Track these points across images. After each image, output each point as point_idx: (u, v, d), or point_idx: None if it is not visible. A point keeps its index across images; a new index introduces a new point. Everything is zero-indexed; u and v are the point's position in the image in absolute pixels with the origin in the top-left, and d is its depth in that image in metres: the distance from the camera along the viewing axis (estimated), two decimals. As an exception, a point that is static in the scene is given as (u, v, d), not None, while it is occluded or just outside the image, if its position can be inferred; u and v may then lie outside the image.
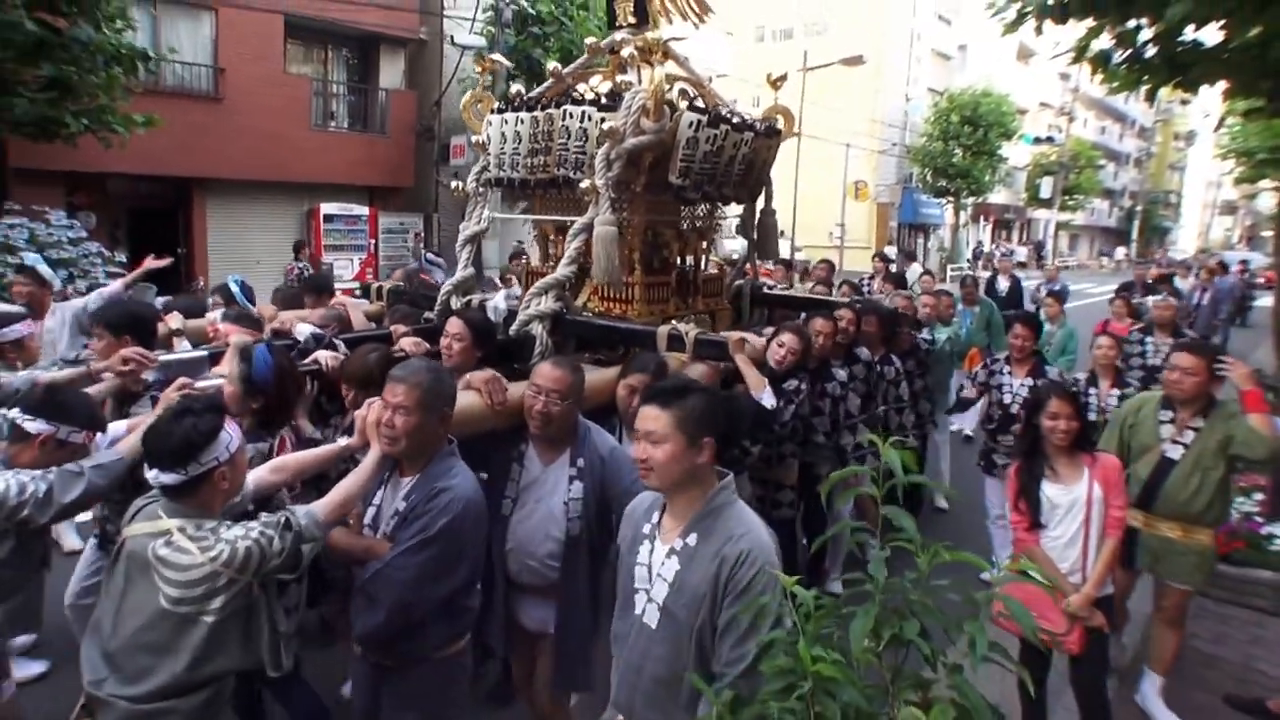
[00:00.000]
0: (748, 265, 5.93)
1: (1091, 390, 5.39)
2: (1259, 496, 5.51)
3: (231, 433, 2.41)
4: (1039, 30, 6.22)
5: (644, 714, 2.27)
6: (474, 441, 3.04)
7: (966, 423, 8.40)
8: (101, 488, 2.71)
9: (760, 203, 5.49)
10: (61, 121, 10.40)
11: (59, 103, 10.31)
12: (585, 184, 4.17)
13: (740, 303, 5.76)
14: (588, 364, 4.25)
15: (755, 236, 5.57)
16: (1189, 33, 5.77)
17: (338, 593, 3.09)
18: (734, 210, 5.60)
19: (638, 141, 4.13)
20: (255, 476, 2.71)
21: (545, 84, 5.01)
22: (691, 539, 2.19)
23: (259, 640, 2.42)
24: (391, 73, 18.46)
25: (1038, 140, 40.00)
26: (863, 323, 5.26)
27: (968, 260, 35.87)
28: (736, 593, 2.08)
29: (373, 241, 17.32)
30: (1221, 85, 6.27)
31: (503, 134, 4.68)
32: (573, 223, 4.33)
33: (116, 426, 3.07)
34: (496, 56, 5.45)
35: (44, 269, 6.73)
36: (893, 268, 11.26)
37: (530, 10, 16.25)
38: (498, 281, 9.28)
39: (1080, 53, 6.40)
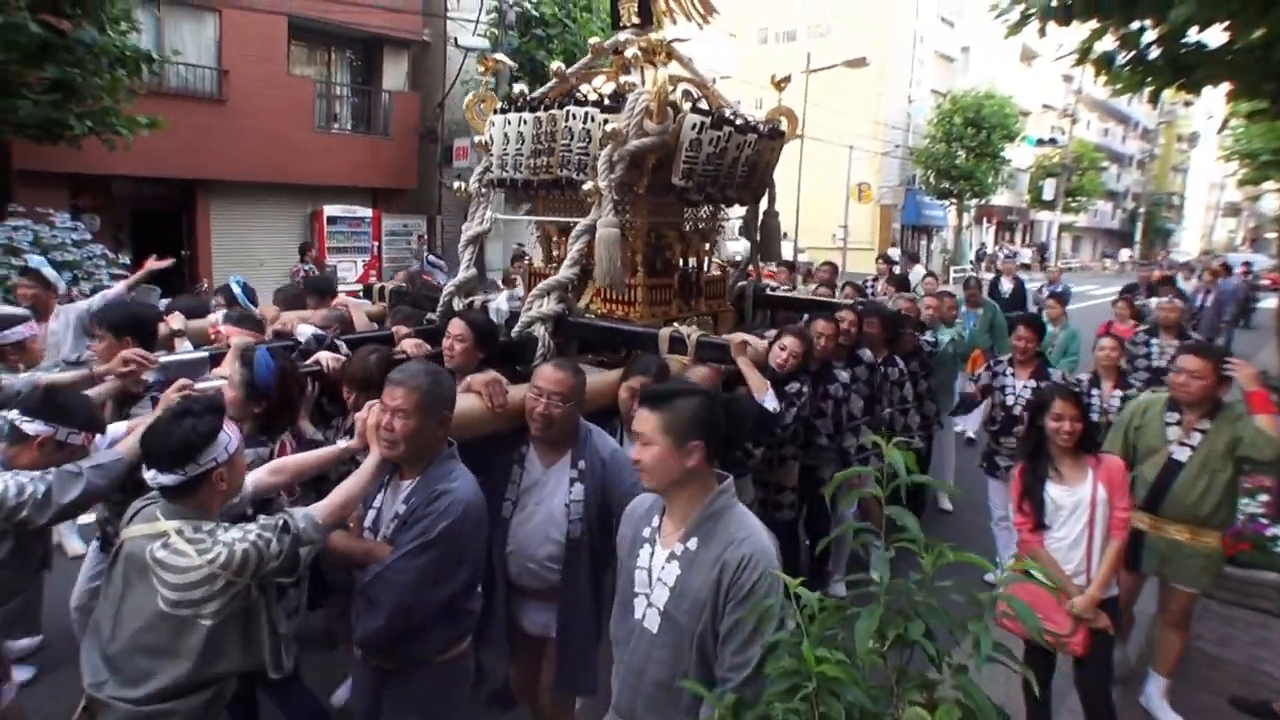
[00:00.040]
0: (750, 267, 5.92)
1: (1094, 391, 5.39)
2: (1264, 498, 5.50)
3: (230, 434, 2.40)
4: (1042, 32, 6.22)
5: (646, 718, 2.26)
6: (474, 444, 3.03)
7: (969, 424, 8.39)
8: (100, 488, 2.71)
9: (763, 204, 5.47)
10: (65, 124, 10.41)
11: (63, 105, 10.32)
12: (588, 186, 4.16)
13: (743, 304, 5.74)
14: (590, 366, 4.27)
15: (758, 238, 5.56)
16: (1192, 34, 5.76)
17: (338, 595, 3.09)
18: (737, 212, 5.59)
19: (641, 143, 4.13)
20: (254, 478, 2.71)
21: (548, 84, 5.01)
22: (692, 543, 2.18)
23: (259, 642, 2.42)
24: (395, 75, 18.48)
25: (1040, 142, 39.95)
26: (865, 324, 5.25)
27: (971, 262, 35.84)
28: (739, 599, 2.07)
29: (376, 244, 17.32)
30: (1225, 87, 6.26)
31: (505, 134, 4.68)
32: (576, 224, 4.33)
33: (116, 428, 3.07)
34: (499, 56, 5.45)
35: (48, 271, 6.73)
36: (896, 269, 11.25)
37: (534, 12, 16.26)
38: (499, 283, 9.28)
39: (1084, 54, 6.40)
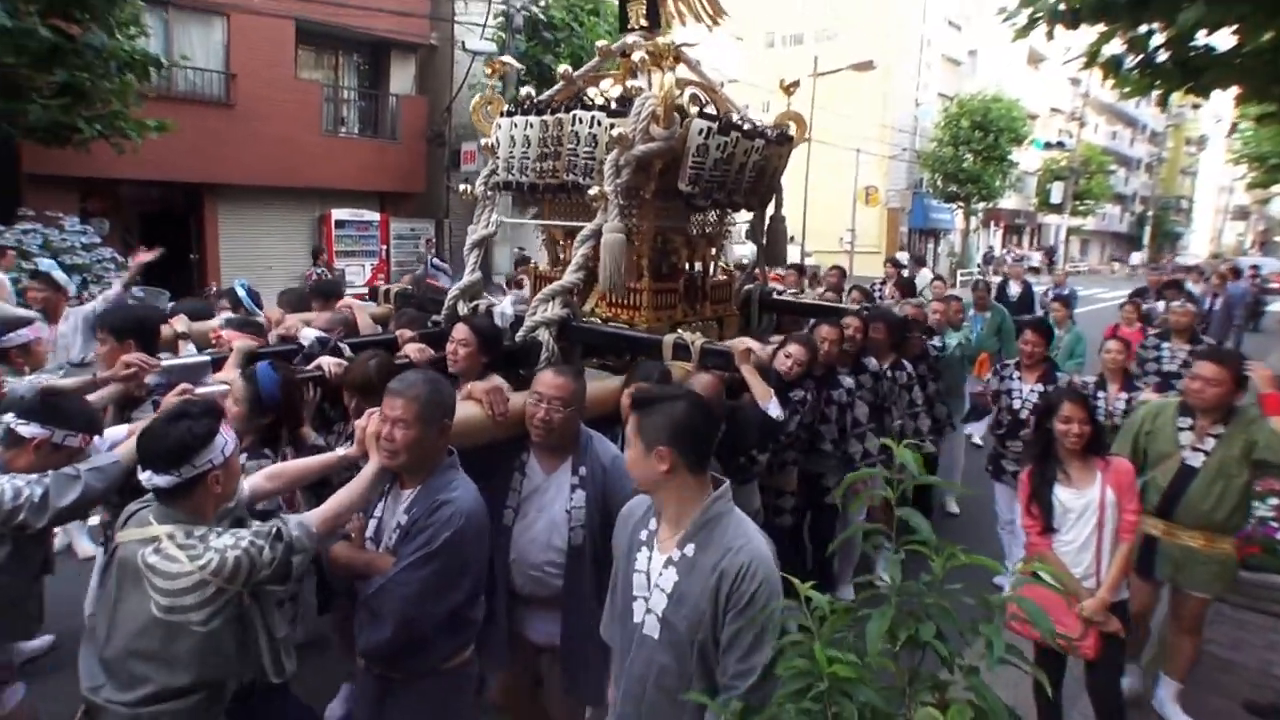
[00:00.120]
0: (757, 271, 5.91)
1: (1100, 394, 5.37)
2: (1274, 501, 5.46)
3: (227, 437, 2.39)
4: (1050, 35, 6.22)
5: None
6: (475, 452, 3.02)
7: (976, 429, 8.37)
8: (99, 491, 2.69)
9: (770, 209, 5.46)
10: (75, 127, 10.48)
11: (72, 108, 10.39)
12: (594, 191, 4.16)
13: (749, 309, 5.73)
14: (595, 370, 4.26)
15: (764, 243, 5.56)
16: (1201, 38, 5.76)
17: (341, 600, 3.07)
18: (744, 215, 5.58)
19: (647, 148, 4.12)
20: (251, 483, 2.69)
21: (555, 87, 5.01)
22: (689, 549, 2.17)
23: (255, 648, 2.41)
24: (402, 78, 18.53)
25: (1048, 145, 39.86)
26: (871, 329, 5.23)
27: (978, 265, 35.77)
28: (739, 608, 2.06)
29: (384, 247, 17.39)
30: (1234, 90, 6.26)
31: (512, 137, 4.67)
32: (582, 228, 4.33)
33: (116, 431, 3.06)
34: (506, 59, 5.45)
35: (58, 274, 6.77)
36: (905, 273, 11.22)
37: (541, 16, 16.29)
38: (504, 286, 9.29)
39: (1092, 58, 6.40)
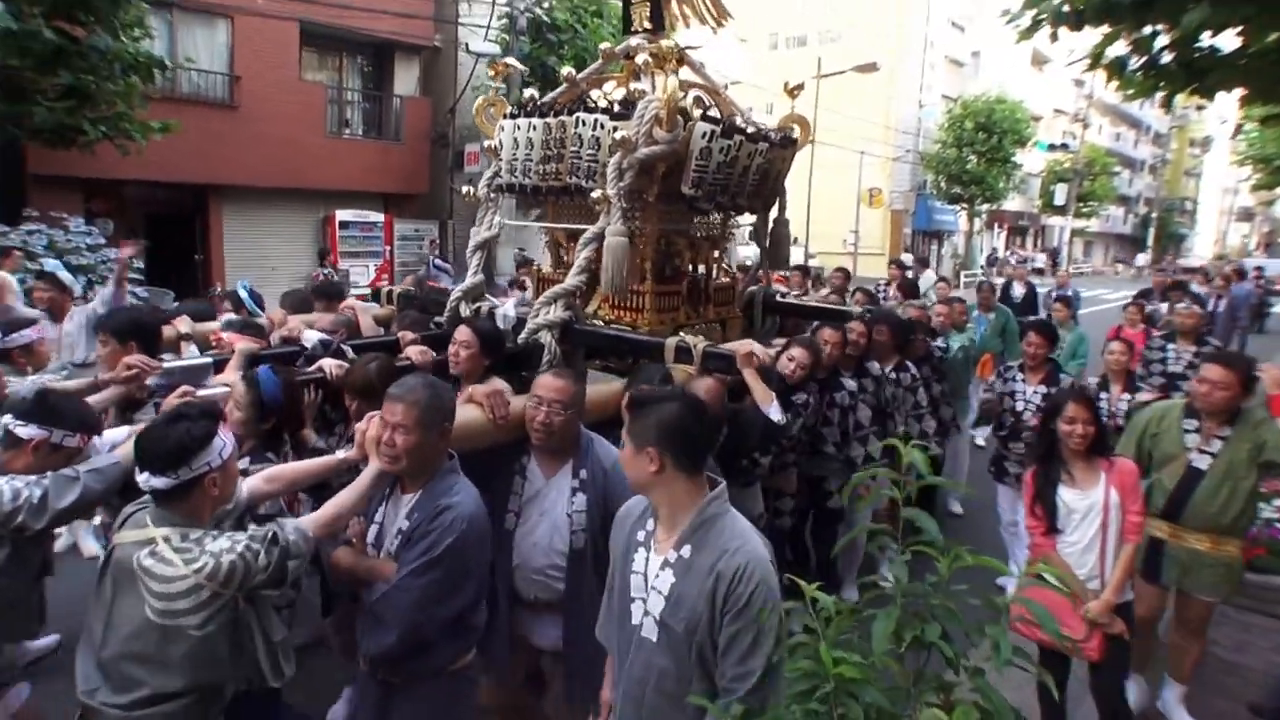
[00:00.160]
0: (760, 273, 5.91)
1: (1102, 395, 5.36)
2: (1279, 503, 5.45)
3: (225, 439, 2.38)
4: (1054, 37, 6.21)
5: None
6: (476, 455, 3.01)
7: (981, 431, 8.37)
8: (98, 492, 2.68)
9: (774, 212, 5.46)
10: (79, 129, 10.52)
11: (77, 110, 10.42)
12: (597, 193, 4.16)
13: (752, 311, 5.73)
14: (598, 372, 4.26)
15: (768, 245, 5.55)
16: (1206, 39, 5.74)
17: (343, 602, 3.07)
18: (748, 218, 5.58)
19: (650, 151, 4.11)
20: (249, 485, 2.69)
21: (558, 89, 5.01)
22: (685, 550, 2.17)
23: (252, 653, 2.40)
24: (406, 80, 18.57)
25: (1052, 147, 39.80)
26: (874, 332, 5.22)
27: (982, 267, 35.74)
28: (736, 610, 2.06)
29: (388, 248, 17.42)
30: (1239, 92, 6.24)
31: (515, 139, 4.67)
32: (585, 231, 4.32)
33: (117, 432, 3.06)
34: (509, 60, 5.45)
35: (64, 275, 6.81)
36: (910, 274, 11.21)
37: (545, 18, 16.30)
38: (506, 287, 9.30)
39: (1096, 59, 6.39)
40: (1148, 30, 5.93)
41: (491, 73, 5.09)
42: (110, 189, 14.47)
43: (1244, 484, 3.81)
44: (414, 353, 3.94)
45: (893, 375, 5.35)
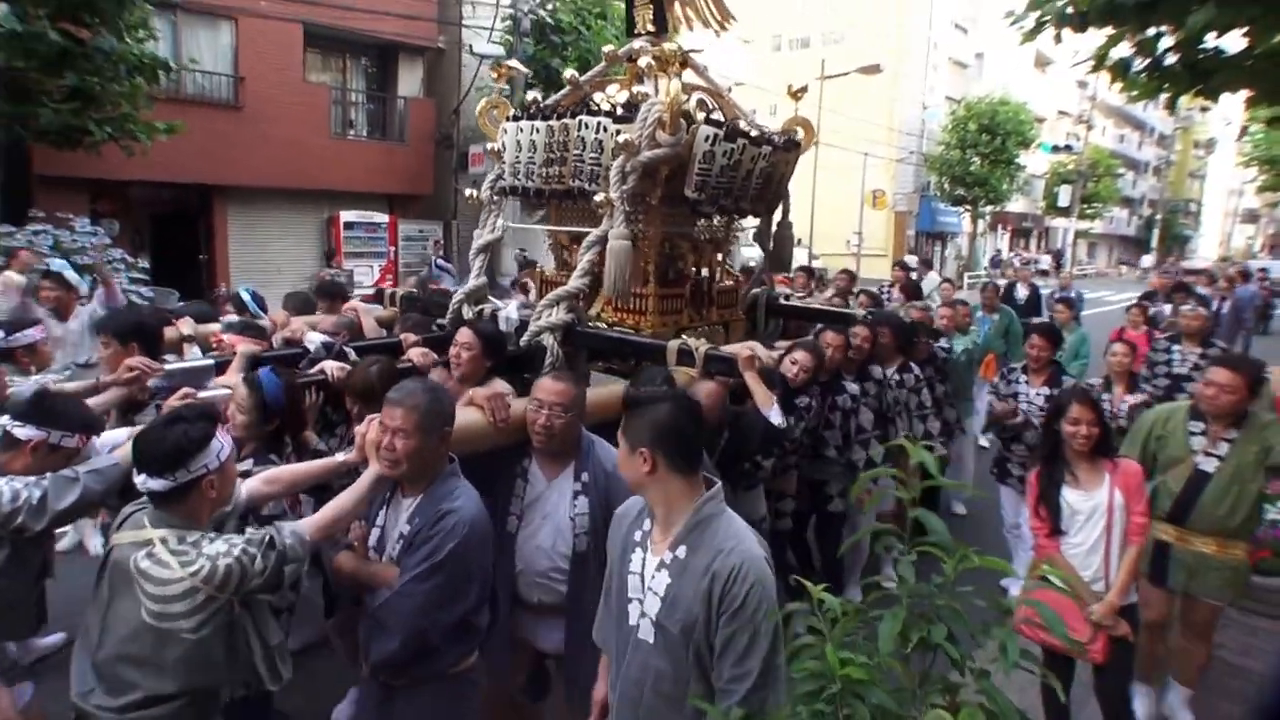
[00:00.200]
0: (764, 276, 5.90)
1: (1105, 396, 5.35)
2: (1286, 505, 5.43)
3: (223, 441, 2.38)
4: (1058, 39, 6.21)
5: None
6: (477, 458, 3.01)
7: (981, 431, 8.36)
8: (97, 493, 2.68)
9: (777, 215, 5.45)
10: (85, 130, 10.57)
11: (82, 111, 10.48)
12: (600, 196, 4.15)
13: (755, 313, 5.73)
14: (601, 374, 4.26)
15: (771, 248, 5.55)
16: (1210, 40, 5.73)
17: (345, 606, 3.06)
18: (752, 221, 5.57)
19: (653, 155, 4.11)
20: (248, 487, 2.68)
21: (561, 92, 5.01)
22: (681, 551, 2.17)
23: (247, 656, 2.39)
24: (410, 81, 18.60)
25: (1056, 149, 39.74)
26: (877, 334, 5.22)
27: (985, 269, 35.70)
28: (732, 610, 2.06)
29: (392, 248, 17.45)
30: (1244, 93, 6.22)
31: (518, 142, 4.67)
32: (588, 233, 4.32)
33: (117, 434, 3.06)
34: (513, 63, 5.45)
35: (70, 274, 6.83)
36: (914, 275, 11.20)
37: (548, 19, 16.32)
38: (509, 287, 9.32)
39: (1100, 61, 6.38)
40: (1152, 32, 5.92)
41: (495, 75, 5.09)
42: (116, 189, 14.52)
43: (1251, 487, 3.78)
44: (416, 355, 3.95)
45: (896, 376, 5.34)
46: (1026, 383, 5.44)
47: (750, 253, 12.79)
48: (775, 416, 3.83)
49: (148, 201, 15.65)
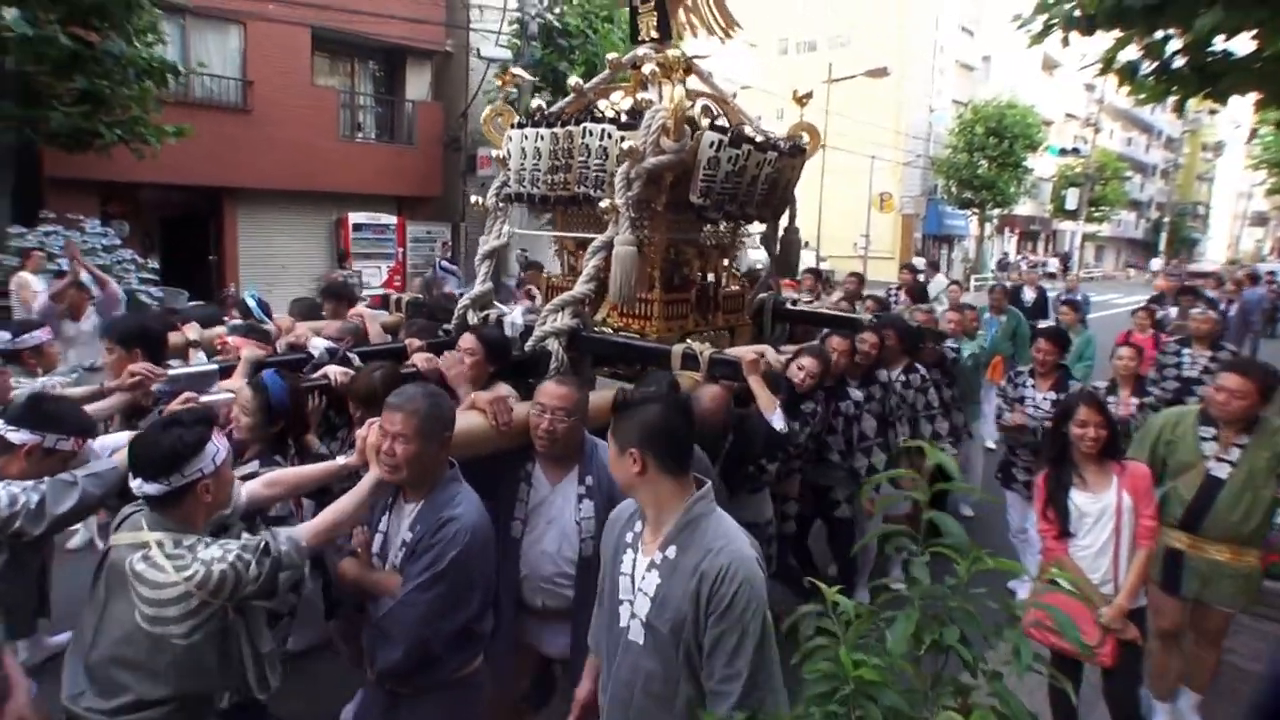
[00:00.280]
0: (770, 281, 5.90)
1: (1111, 399, 5.33)
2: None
3: (218, 445, 2.37)
4: (1065, 42, 6.19)
5: None
6: (479, 463, 3.00)
7: (989, 434, 8.34)
8: (96, 497, 2.66)
9: (784, 220, 5.45)
10: (95, 133, 10.63)
11: (92, 115, 10.54)
12: (605, 203, 4.16)
13: (762, 318, 5.73)
14: (606, 379, 4.26)
15: (778, 253, 5.55)
16: (1219, 43, 5.71)
17: (348, 612, 3.07)
18: (758, 225, 5.57)
19: (658, 161, 4.11)
20: (249, 490, 2.68)
21: (566, 99, 5.02)
22: (671, 551, 2.17)
23: (240, 663, 2.39)
24: (418, 84, 18.64)
25: (1063, 152, 39.64)
26: (883, 338, 5.21)
27: (992, 272, 35.63)
28: (720, 610, 2.05)
29: (401, 250, 17.49)
30: (1253, 96, 6.19)
31: (523, 149, 4.68)
32: (594, 239, 4.33)
33: (117, 437, 3.05)
34: (518, 70, 5.47)
35: (82, 275, 6.86)
36: (921, 278, 11.19)
37: (556, 23, 16.34)
38: (514, 288, 9.33)
39: (1107, 64, 6.35)
40: (1160, 34, 5.89)
41: (499, 84, 5.11)
42: (126, 192, 14.58)
43: (1264, 493, 3.74)
44: (420, 359, 3.95)
45: (902, 378, 5.34)
46: (1033, 386, 5.43)
47: (757, 255, 12.80)
48: (778, 421, 3.82)
49: (158, 203, 15.71)
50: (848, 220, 30.82)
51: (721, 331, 5.06)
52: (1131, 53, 6.21)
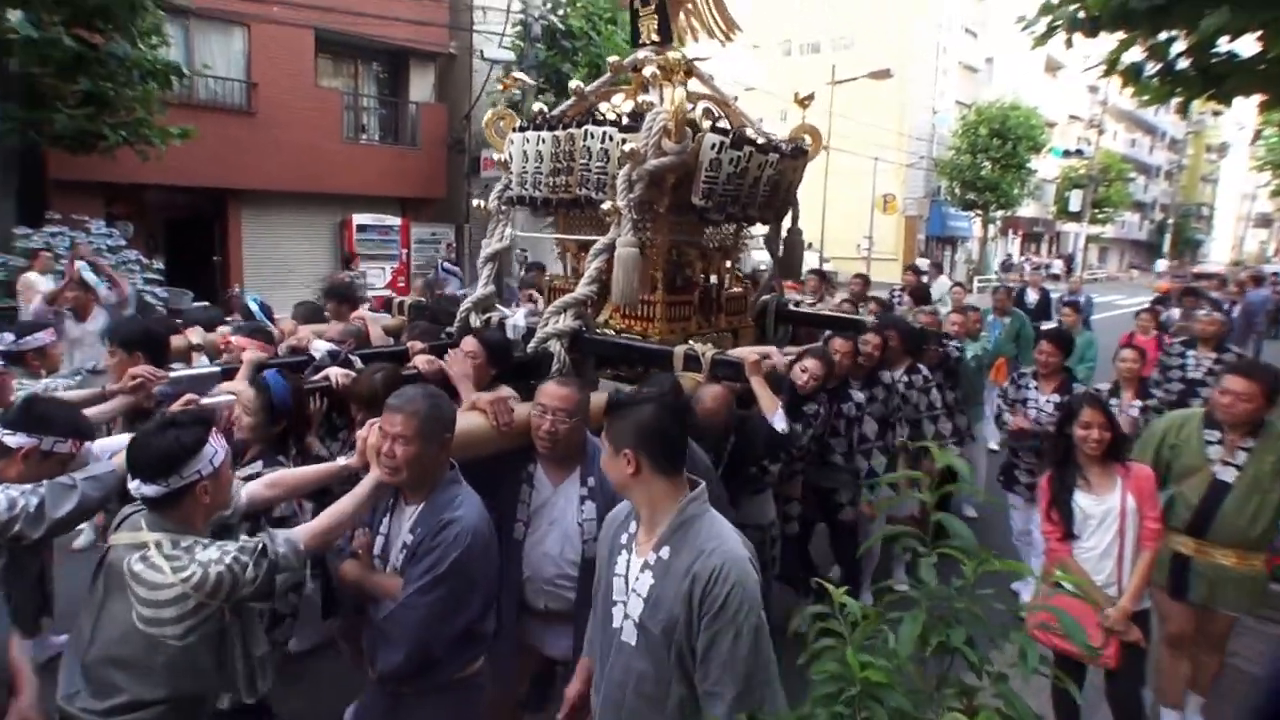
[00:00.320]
0: (773, 282, 5.90)
1: (1114, 401, 5.32)
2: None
3: (216, 446, 2.36)
4: (1069, 43, 6.17)
5: None
6: (481, 464, 3.00)
7: (992, 435, 8.33)
8: (95, 500, 2.66)
9: (786, 222, 5.45)
10: (99, 134, 10.66)
11: (96, 116, 10.57)
12: (607, 205, 4.16)
13: (765, 320, 5.72)
14: (610, 381, 4.26)
15: (780, 255, 5.55)
16: (1223, 44, 5.69)
17: (347, 608, 3.07)
18: (760, 227, 5.57)
19: (659, 163, 4.12)
20: (250, 491, 2.68)
21: (567, 102, 5.02)
22: (664, 552, 2.16)
23: (232, 665, 2.38)
24: (421, 86, 18.67)
25: (1067, 153, 39.61)
26: (886, 339, 5.20)
27: (996, 273, 35.60)
28: (713, 612, 2.04)
29: (405, 251, 17.52)
30: (1257, 97, 6.17)
31: (524, 153, 4.69)
32: (596, 242, 4.33)
33: (118, 440, 3.04)
34: (518, 74, 5.48)
35: (89, 275, 6.89)
36: (925, 279, 11.18)
37: (559, 25, 16.35)
38: (517, 289, 9.35)
39: (1111, 65, 6.34)
40: (1164, 36, 5.88)
41: (500, 88, 5.12)
42: (131, 193, 14.62)
43: (1271, 497, 3.70)
44: (421, 362, 3.95)
45: (904, 379, 5.33)
46: (1037, 389, 5.42)
47: (761, 256, 12.80)
48: (779, 422, 3.82)
49: (162, 205, 15.75)
50: (851, 222, 30.81)
51: (724, 333, 5.06)
52: (1136, 54, 6.19)
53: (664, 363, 4.06)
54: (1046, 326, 8.23)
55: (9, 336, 4.53)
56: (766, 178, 4.72)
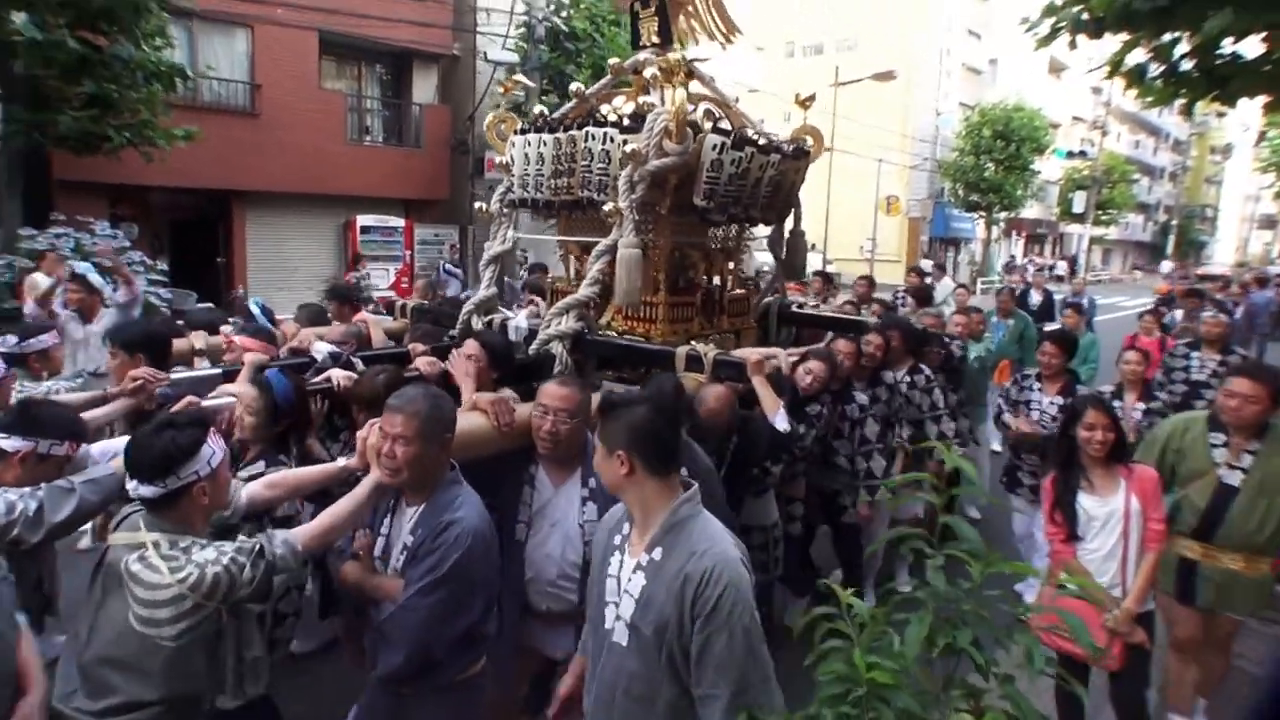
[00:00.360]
0: (776, 283, 5.90)
1: (1117, 403, 5.30)
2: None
3: (214, 447, 2.37)
4: (1073, 45, 6.17)
5: None
6: (482, 464, 3.00)
7: (996, 437, 8.32)
8: (95, 503, 2.64)
9: (789, 223, 5.45)
10: (104, 136, 10.70)
11: (101, 118, 10.61)
12: (609, 207, 4.16)
13: (768, 321, 5.72)
14: (613, 382, 4.26)
15: (783, 256, 5.55)
16: (1227, 45, 5.68)
17: (347, 608, 3.07)
18: (763, 229, 5.56)
19: (661, 164, 4.12)
20: (250, 491, 2.68)
21: (568, 104, 5.03)
22: (657, 553, 2.16)
23: (224, 666, 2.39)
24: (425, 88, 18.70)
25: (1070, 155, 39.57)
26: (889, 339, 5.19)
27: (999, 274, 35.55)
28: (706, 613, 2.04)
29: (408, 252, 17.54)
30: (1261, 98, 6.16)
31: (526, 155, 4.70)
32: (598, 243, 4.33)
33: (117, 442, 3.04)
34: (519, 77, 5.48)
35: (94, 277, 6.89)
36: (929, 281, 11.18)
37: (563, 27, 16.37)
38: (520, 290, 9.34)
39: (1115, 67, 6.33)
40: (1168, 37, 5.88)
41: (501, 91, 5.12)
42: (135, 194, 14.68)
43: (1278, 500, 3.67)
44: (423, 364, 3.95)
45: (907, 379, 5.32)
46: (1040, 390, 5.40)
47: (764, 258, 12.80)
48: (781, 422, 3.81)
49: (167, 206, 15.80)
50: (854, 223, 30.81)
51: (727, 335, 5.05)
52: (1139, 55, 6.19)
53: (666, 364, 4.06)
54: (1050, 328, 8.22)
55: (12, 339, 4.53)
56: (768, 179, 4.71)
